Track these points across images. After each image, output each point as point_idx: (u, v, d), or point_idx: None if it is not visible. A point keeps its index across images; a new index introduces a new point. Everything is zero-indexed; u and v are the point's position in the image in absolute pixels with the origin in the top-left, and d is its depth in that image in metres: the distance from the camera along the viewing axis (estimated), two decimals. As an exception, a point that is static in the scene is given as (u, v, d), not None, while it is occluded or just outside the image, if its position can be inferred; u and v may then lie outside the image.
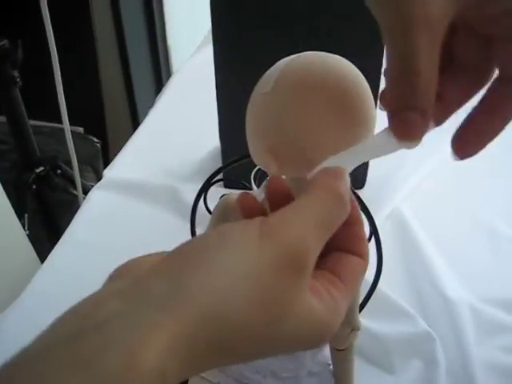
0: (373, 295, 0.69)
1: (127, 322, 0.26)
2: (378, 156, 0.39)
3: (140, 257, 0.33)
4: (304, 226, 0.30)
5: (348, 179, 0.35)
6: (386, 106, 0.34)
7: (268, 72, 0.46)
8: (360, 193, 0.83)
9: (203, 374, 0.61)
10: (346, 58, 0.45)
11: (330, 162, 0.39)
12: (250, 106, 0.47)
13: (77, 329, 0.26)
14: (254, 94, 0.47)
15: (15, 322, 0.90)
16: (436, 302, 0.87)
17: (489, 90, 0.34)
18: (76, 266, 1.02)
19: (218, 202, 0.59)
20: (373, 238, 0.65)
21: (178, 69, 1.67)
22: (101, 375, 0.23)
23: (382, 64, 0.90)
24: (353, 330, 0.58)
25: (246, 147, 0.54)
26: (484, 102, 0.34)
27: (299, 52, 0.46)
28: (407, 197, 1.07)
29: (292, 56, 0.46)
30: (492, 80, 0.34)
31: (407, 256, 0.95)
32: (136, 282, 0.29)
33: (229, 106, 0.99)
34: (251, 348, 0.29)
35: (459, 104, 0.36)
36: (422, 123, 0.32)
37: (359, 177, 1.08)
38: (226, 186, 1.00)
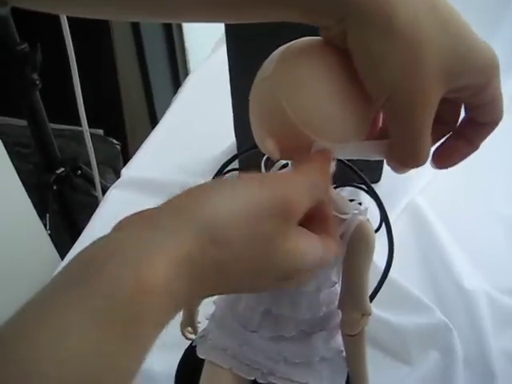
0: (390, 286, 0.69)
1: (137, 245, 0.28)
2: (365, 157, 0.46)
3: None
4: (298, 185, 0.37)
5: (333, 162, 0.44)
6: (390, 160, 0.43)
7: (268, 59, 0.46)
8: (376, 186, 0.82)
9: (215, 360, 0.61)
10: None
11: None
12: (251, 93, 0.48)
13: (89, 258, 0.28)
14: (255, 82, 0.47)
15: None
16: (452, 292, 0.87)
17: (458, 127, 0.44)
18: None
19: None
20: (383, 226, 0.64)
21: (195, 69, 1.69)
22: (114, 300, 0.25)
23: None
24: (363, 314, 0.58)
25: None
26: (455, 133, 0.44)
27: None
28: (423, 189, 1.06)
29: (291, 42, 0.46)
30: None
31: (424, 247, 0.95)
32: (143, 217, 0.32)
33: (243, 103, 1.00)
34: (246, 274, 0.33)
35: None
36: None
37: (375, 171, 1.08)
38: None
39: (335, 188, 0.57)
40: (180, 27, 1.97)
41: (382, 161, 1.10)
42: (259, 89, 0.45)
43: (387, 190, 0.96)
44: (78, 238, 1.12)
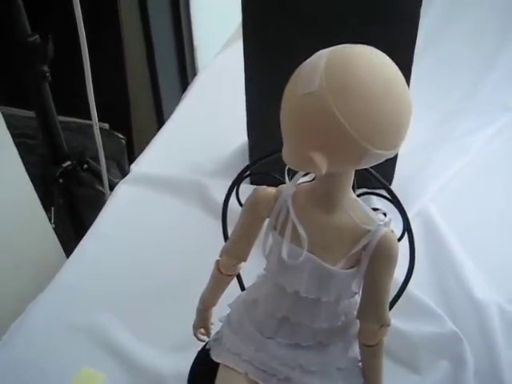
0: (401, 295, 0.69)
1: None
2: None
3: None
4: None
5: None
6: None
7: (306, 69, 0.45)
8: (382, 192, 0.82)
9: (230, 364, 0.61)
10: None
11: None
12: (288, 106, 0.47)
13: None
14: (291, 93, 0.46)
15: (42, 313, 0.92)
16: (464, 303, 0.86)
17: None
18: (102, 259, 1.03)
19: (250, 195, 0.59)
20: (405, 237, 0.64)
21: (205, 66, 1.68)
22: None
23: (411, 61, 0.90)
24: (382, 325, 0.58)
25: (275, 142, 0.54)
26: None
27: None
28: (434, 196, 1.06)
29: (327, 50, 0.46)
30: None
31: (435, 256, 0.95)
32: None
33: (258, 102, 0.99)
34: None
35: None
36: None
37: (386, 175, 1.07)
38: (252, 183, 0.99)
39: (358, 196, 0.57)
40: (189, 24, 1.96)
41: (394, 167, 1.09)
42: (304, 102, 0.44)
43: (398, 194, 0.96)
44: (82, 232, 1.12)
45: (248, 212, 0.59)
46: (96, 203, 1.49)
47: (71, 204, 1.57)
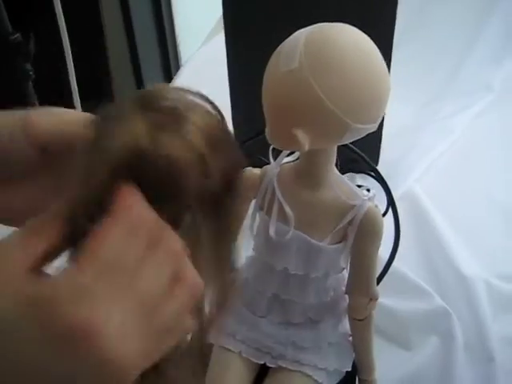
0: (389, 273, 0.70)
1: None
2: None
3: None
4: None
5: None
6: None
7: (286, 48, 0.46)
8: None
9: (224, 344, 0.62)
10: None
11: None
12: (270, 85, 0.47)
13: None
14: (272, 72, 0.47)
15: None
16: (451, 279, 0.88)
17: None
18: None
19: (236, 177, 0.60)
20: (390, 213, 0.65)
21: (188, 60, 1.69)
22: None
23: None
24: (371, 299, 0.59)
25: (256, 127, 0.55)
26: None
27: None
28: (420, 177, 1.07)
29: (306, 29, 0.46)
30: None
31: (422, 235, 0.96)
32: None
33: (240, 92, 1.00)
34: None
35: None
36: None
37: (371, 157, 1.08)
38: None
39: (343, 174, 0.58)
40: (171, 19, 1.97)
41: (379, 149, 1.11)
42: (285, 80, 0.45)
43: (384, 176, 0.97)
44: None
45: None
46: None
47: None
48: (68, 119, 0.32)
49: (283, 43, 0.47)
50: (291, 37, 0.47)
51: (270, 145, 0.54)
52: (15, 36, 1.32)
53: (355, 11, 0.81)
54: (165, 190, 0.28)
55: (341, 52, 0.44)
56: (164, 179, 0.28)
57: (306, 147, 0.47)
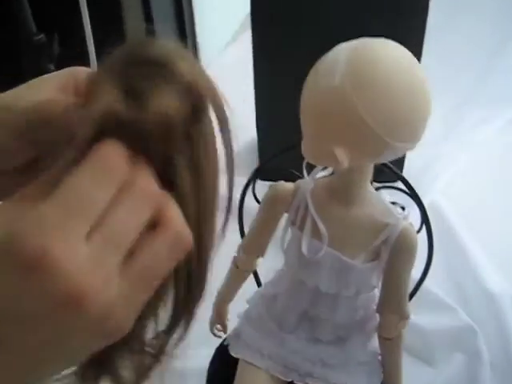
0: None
1: None
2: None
3: None
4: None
5: None
6: None
7: (326, 64, 0.45)
8: (396, 184, 0.82)
9: (250, 360, 0.61)
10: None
11: None
12: (309, 101, 0.46)
13: None
14: (311, 87, 0.46)
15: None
16: (478, 296, 0.87)
17: None
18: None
19: (267, 191, 0.59)
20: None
21: (209, 64, 1.68)
22: None
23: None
24: (402, 318, 0.58)
25: (284, 138, 0.54)
26: None
27: (338, 40, 0.46)
28: (445, 188, 1.06)
29: (347, 45, 0.45)
30: None
31: (447, 249, 0.95)
32: None
33: (267, 97, 0.99)
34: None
35: None
36: None
37: (396, 166, 1.07)
38: (263, 179, 0.98)
39: (376, 190, 0.57)
40: (193, 24, 1.96)
41: (403, 159, 1.09)
42: (325, 97, 0.44)
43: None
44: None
45: (266, 208, 0.59)
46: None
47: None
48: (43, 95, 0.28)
49: (323, 57, 0.47)
50: (331, 52, 0.46)
51: (301, 158, 0.53)
52: (39, 37, 1.33)
53: (385, 16, 0.80)
54: (152, 143, 0.26)
55: (385, 71, 0.43)
56: (152, 132, 0.26)
57: (345, 165, 0.46)
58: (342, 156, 0.45)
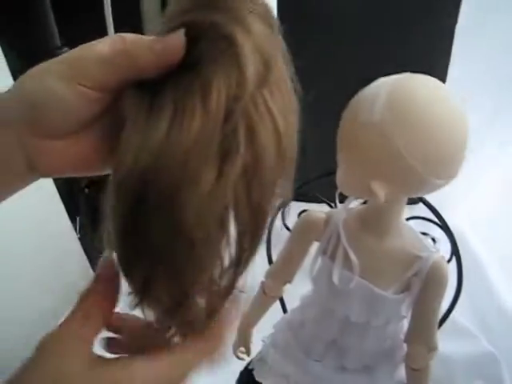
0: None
1: None
2: None
3: None
4: None
5: None
6: None
7: (366, 98, 0.45)
8: (415, 209, 0.82)
9: (272, 364, 0.61)
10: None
11: None
12: (347, 134, 0.47)
13: None
14: (350, 119, 0.46)
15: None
16: (500, 323, 0.86)
17: None
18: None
19: (299, 219, 0.60)
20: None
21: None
22: None
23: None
24: (430, 350, 0.58)
25: (315, 163, 0.54)
26: None
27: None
28: (466, 213, 1.05)
29: (388, 80, 0.46)
30: None
31: (468, 275, 0.94)
32: None
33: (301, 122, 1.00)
34: None
35: None
36: None
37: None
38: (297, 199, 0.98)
39: (407, 220, 0.57)
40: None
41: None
42: (365, 132, 0.44)
43: (428, 212, 0.96)
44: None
45: (297, 236, 0.60)
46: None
47: (97, 215, 1.58)
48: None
49: (362, 92, 0.47)
50: (372, 86, 0.47)
51: (334, 187, 0.53)
52: (64, 50, 1.34)
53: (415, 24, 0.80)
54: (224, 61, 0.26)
55: (426, 108, 0.43)
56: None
57: (383, 199, 0.46)
58: (379, 190, 0.46)
